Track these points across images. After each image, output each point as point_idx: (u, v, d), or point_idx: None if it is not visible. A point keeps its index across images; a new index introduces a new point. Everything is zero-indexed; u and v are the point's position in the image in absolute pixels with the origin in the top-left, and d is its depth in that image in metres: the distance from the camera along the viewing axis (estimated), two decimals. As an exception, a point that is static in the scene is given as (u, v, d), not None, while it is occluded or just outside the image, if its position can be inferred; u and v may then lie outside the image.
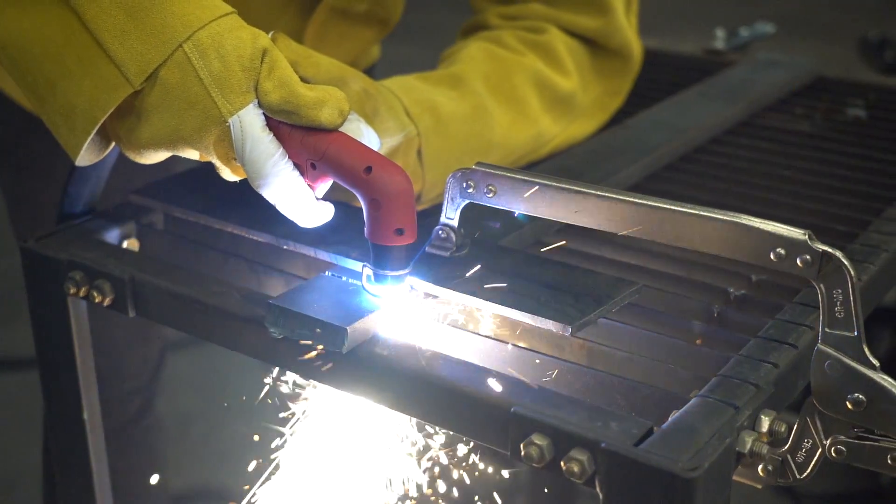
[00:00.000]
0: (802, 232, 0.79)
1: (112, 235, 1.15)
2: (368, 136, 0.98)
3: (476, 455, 1.04)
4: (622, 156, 1.30)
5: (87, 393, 1.12)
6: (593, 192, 0.88)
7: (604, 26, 1.35)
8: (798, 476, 0.83)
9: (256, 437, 1.07)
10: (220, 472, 2.47)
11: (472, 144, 1.19)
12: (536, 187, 0.90)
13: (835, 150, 1.42)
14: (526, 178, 0.91)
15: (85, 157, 0.98)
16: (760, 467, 0.82)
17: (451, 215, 0.96)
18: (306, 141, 0.90)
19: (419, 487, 1.04)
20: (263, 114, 0.91)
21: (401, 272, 0.91)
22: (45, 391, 1.16)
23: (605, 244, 1.11)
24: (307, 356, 0.90)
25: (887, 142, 1.45)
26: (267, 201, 0.93)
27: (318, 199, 0.93)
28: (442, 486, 1.05)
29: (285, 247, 1.05)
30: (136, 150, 0.96)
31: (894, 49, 2.92)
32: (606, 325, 0.96)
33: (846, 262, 0.77)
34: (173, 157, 0.98)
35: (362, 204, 0.89)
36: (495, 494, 1.09)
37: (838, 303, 0.78)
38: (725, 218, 0.82)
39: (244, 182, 0.95)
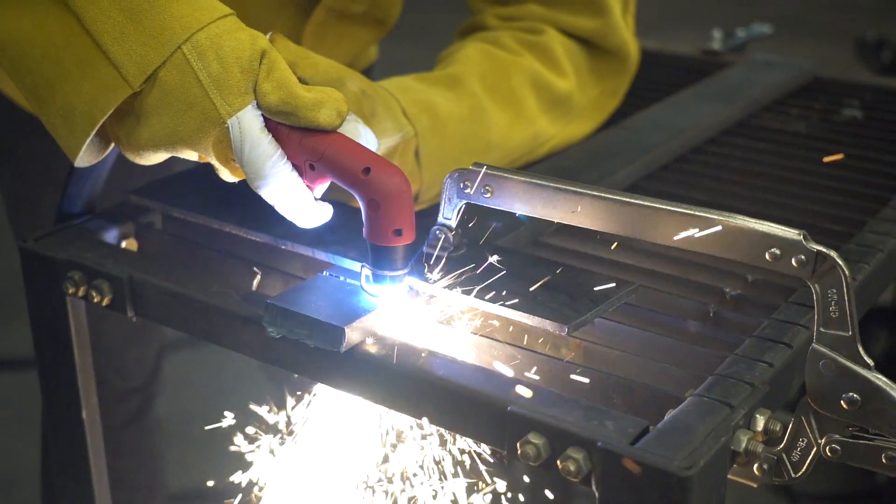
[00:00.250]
0: (797, 232, 0.80)
1: (111, 235, 1.15)
2: (366, 137, 0.98)
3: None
4: (619, 156, 1.30)
5: (85, 393, 1.12)
6: (590, 192, 0.88)
7: (601, 27, 1.36)
8: (793, 475, 0.83)
9: (257, 437, 1.07)
10: (220, 473, 2.46)
11: (469, 145, 1.20)
12: (534, 187, 0.91)
13: (831, 150, 1.42)
14: (523, 178, 0.91)
15: (84, 158, 0.98)
16: (756, 466, 0.83)
17: (448, 215, 0.96)
18: (305, 142, 0.91)
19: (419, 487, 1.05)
20: (262, 115, 0.91)
21: (399, 272, 0.92)
22: (44, 391, 1.16)
23: (602, 244, 1.12)
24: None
25: (883, 142, 1.45)
26: (265, 202, 0.93)
27: (316, 199, 0.94)
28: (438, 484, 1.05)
29: (284, 247, 1.05)
30: (135, 151, 0.96)
31: (891, 50, 2.93)
32: (602, 324, 0.96)
33: (840, 262, 0.78)
34: (172, 158, 0.98)
35: (360, 204, 0.89)
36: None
37: (833, 302, 0.79)
38: (721, 218, 0.82)
39: (243, 182, 0.95)
